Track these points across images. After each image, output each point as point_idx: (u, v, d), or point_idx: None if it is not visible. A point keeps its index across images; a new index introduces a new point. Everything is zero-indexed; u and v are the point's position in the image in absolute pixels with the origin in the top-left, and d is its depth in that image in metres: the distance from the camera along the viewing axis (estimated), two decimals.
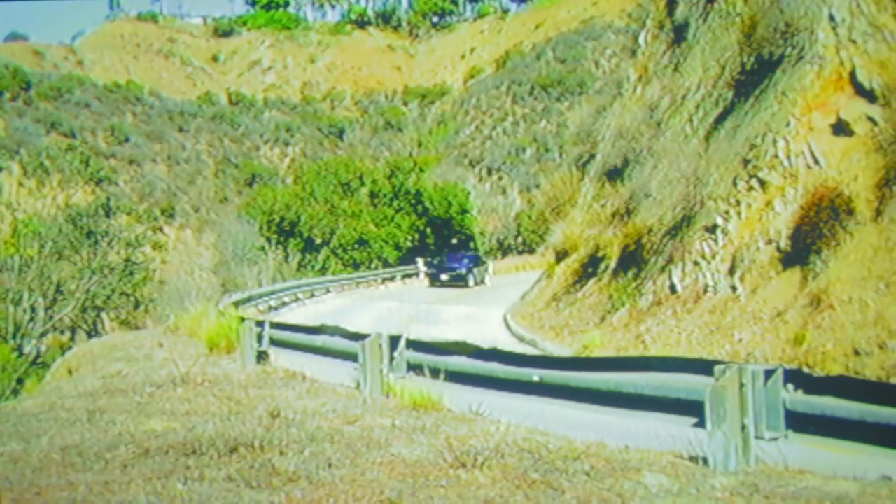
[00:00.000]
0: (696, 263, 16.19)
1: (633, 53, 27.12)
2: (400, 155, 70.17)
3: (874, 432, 5.56)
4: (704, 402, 6.10)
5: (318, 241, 45.79)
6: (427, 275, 40.59)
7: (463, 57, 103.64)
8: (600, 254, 19.93)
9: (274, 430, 7.24)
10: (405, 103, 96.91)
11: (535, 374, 7.92)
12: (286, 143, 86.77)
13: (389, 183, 49.67)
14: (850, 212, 14.00)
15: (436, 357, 9.27)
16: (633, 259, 18.57)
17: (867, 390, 5.72)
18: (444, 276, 37.97)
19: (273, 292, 31.56)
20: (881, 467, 5.59)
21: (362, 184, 49.87)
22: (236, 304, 22.44)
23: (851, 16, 15.82)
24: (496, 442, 6.77)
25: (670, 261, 16.88)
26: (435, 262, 40.70)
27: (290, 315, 25.42)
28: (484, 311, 22.95)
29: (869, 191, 14.10)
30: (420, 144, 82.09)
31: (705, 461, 6.14)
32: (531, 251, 45.83)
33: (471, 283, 37.80)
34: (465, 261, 39.39)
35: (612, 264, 19.39)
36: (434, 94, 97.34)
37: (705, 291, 15.72)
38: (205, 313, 18.18)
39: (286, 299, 31.61)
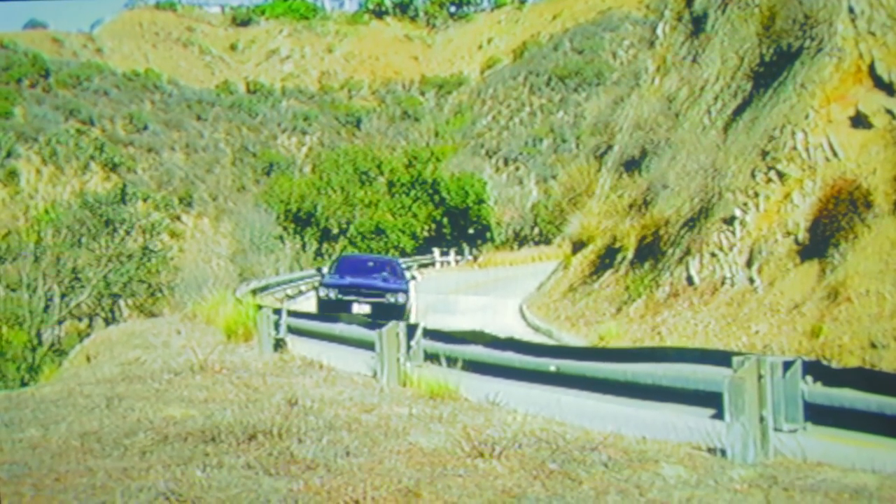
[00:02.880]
0: (713, 255, 16.14)
1: (651, 44, 26.98)
2: (417, 145, 70.11)
3: (893, 425, 5.54)
4: (723, 393, 6.09)
5: (335, 230, 45.82)
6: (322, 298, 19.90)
7: (480, 47, 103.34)
8: (617, 245, 19.89)
9: (292, 417, 7.25)
10: (422, 93, 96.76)
11: (552, 364, 7.91)
12: (304, 133, 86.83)
13: (407, 172, 49.63)
14: (869, 204, 13.93)
15: (452, 346, 9.29)
16: (650, 250, 18.53)
17: (886, 382, 5.69)
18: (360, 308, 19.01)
19: (290, 281, 31.57)
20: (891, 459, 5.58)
21: (380, 173, 49.86)
22: (253, 293, 22.51)
23: (871, 8, 15.71)
24: (513, 432, 6.76)
25: (688, 252, 16.84)
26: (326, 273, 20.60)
27: (307, 304, 25.46)
28: (500, 302, 22.93)
29: (887, 184, 14.02)
30: (437, 134, 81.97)
31: (723, 453, 6.12)
32: (548, 242, 45.69)
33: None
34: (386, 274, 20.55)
35: (629, 255, 19.35)
36: (451, 84, 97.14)
37: (722, 283, 15.68)
38: (222, 301, 18.22)
39: (303, 288, 31.60)
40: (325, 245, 44.48)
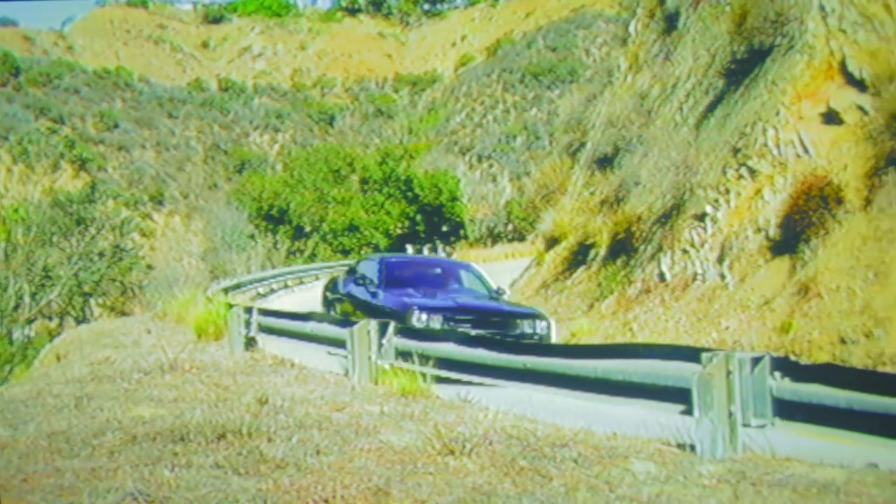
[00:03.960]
0: (685, 251, 16.23)
1: (624, 42, 27.09)
2: (390, 142, 70.05)
3: (861, 420, 5.59)
4: (692, 389, 6.12)
5: (308, 228, 45.69)
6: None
7: (454, 44, 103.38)
8: (590, 242, 19.94)
9: (262, 416, 7.22)
10: (396, 91, 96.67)
11: (522, 361, 7.92)
12: (276, 130, 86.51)
13: (380, 170, 49.58)
14: (840, 201, 14.04)
15: (424, 344, 9.28)
16: (622, 247, 18.61)
17: (854, 378, 5.73)
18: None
19: (262, 279, 31.42)
20: (868, 455, 5.62)
21: (353, 171, 49.77)
22: (225, 291, 22.37)
23: (842, 5, 15.84)
24: (484, 429, 6.76)
25: (659, 249, 16.93)
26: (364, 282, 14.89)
27: (279, 302, 25.36)
28: None
29: (858, 180, 14.14)
30: (410, 132, 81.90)
31: (693, 448, 6.16)
32: (521, 239, 45.80)
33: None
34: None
35: (602, 252, 19.42)
36: (425, 81, 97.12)
37: (694, 279, 15.76)
38: (193, 300, 18.12)
39: (275, 286, 31.48)
40: (297, 243, 44.34)
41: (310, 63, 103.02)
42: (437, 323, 11.66)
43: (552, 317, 13.98)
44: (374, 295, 13.28)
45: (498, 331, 11.34)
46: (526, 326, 12.10)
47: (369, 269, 14.21)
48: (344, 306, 14.14)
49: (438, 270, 15.38)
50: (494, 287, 14.58)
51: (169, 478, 5.30)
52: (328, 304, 15.37)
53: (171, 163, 74.91)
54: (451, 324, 11.64)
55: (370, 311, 12.40)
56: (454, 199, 49.51)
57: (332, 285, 15.89)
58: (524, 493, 5.15)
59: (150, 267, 43.79)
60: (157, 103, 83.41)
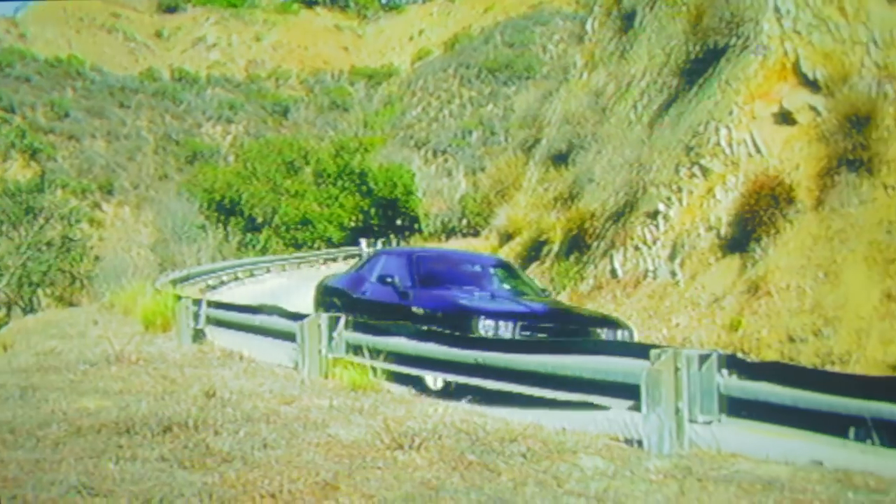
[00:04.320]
0: (637, 249, 16.35)
1: (581, 39, 27.20)
2: (345, 135, 69.76)
3: (806, 418, 5.65)
4: (640, 385, 6.16)
5: (260, 220, 45.37)
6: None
7: (411, 39, 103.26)
8: (543, 237, 20.02)
9: (209, 409, 7.13)
10: (352, 84, 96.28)
11: (474, 356, 7.91)
12: (229, 121, 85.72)
13: (334, 163, 49.35)
14: (791, 200, 14.22)
15: (375, 338, 9.23)
16: (575, 243, 18.70)
17: (800, 376, 5.80)
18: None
19: (212, 271, 31.14)
20: (812, 452, 5.69)
21: (307, 163, 49.51)
22: (174, 283, 22.11)
23: (797, 7, 16.03)
24: (434, 423, 6.75)
25: (612, 245, 17.04)
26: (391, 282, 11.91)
27: (229, 294, 25.13)
28: None
29: (810, 180, 14.33)
30: (366, 125, 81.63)
31: (640, 444, 6.19)
32: (476, 234, 45.83)
33: None
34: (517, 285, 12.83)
35: (555, 248, 19.50)
36: (381, 75, 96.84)
37: (645, 276, 15.89)
38: (141, 291, 17.87)
39: (225, 278, 31.22)
40: (248, 235, 43.98)
41: (265, 54, 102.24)
42: (507, 332, 9.69)
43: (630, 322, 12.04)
44: (404, 296, 11.10)
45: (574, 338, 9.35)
46: (606, 335, 9.91)
47: (393, 265, 11.99)
48: (360, 311, 11.10)
49: (478, 267, 12.81)
50: (539, 285, 12.92)
51: (113, 471, 5.21)
52: (331, 310, 11.75)
53: (122, 153, 73.93)
54: (526, 333, 9.77)
55: (401, 315, 10.43)
56: (409, 193, 49.50)
57: (330, 289, 13.29)
58: (472, 488, 5.13)
59: (97, 258, 43.16)
60: (108, 93, 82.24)
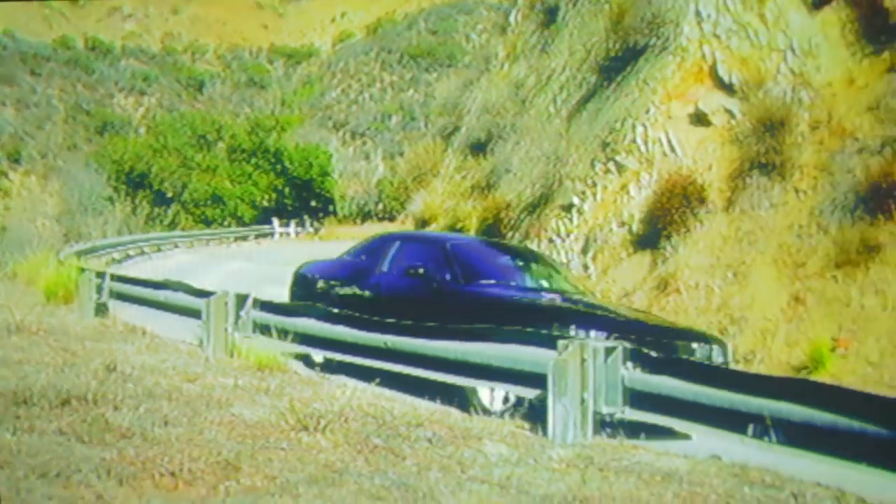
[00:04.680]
0: (550, 240, 16.48)
1: (504, 31, 27.29)
2: (262, 113, 68.80)
3: (706, 413, 5.78)
4: (547, 374, 6.21)
5: (170, 194, 44.47)
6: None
7: (333, 20, 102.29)
8: (459, 225, 20.05)
9: (109, 384, 6.94)
10: (270, 62, 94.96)
11: (384, 340, 7.88)
12: (142, 93, 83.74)
13: (249, 139, 48.63)
14: (703, 200, 14.48)
15: (284, 318, 9.12)
16: (490, 232, 18.77)
17: (703, 373, 5.91)
18: None
19: (118, 244, 30.54)
20: (711, 446, 5.82)
21: (220, 138, 48.66)
22: (78, 255, 21.53)
23: (717, 12, 16.32)
24: (340, 406, 6.70)
25: (526, 236, 17.15)
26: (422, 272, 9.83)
27: (135, 269, 24.58)
28: None
29: (722, 181, 14.61)
30: (283, 104, 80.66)
31: (545, 432, 6.24)
32: (392, 218, 45.82)
33: None
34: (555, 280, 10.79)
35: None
36: (301, 54, 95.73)
37: None
38: (44, 262, 17.36)
39: (131, 252, 30.65)
40: (157, 209, 43.08)
41: (182, 27, 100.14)
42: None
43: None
44: (438, 294, 9.25)
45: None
46: (700, 351, 8.35)
47: (417, 255, 9.95)
48: (369, 309, 9.17)
49: (519, 261, 10.81)
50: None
51: (10, 441, 5.06)
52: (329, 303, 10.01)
53: (31, 121, 71.67)
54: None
55: (436, 315, 8.23)
56: (325, 174, 49.07)
57: (314, 279, 11.27)
58: (376, 472, 5.11)
59: (3, 228, 41.76)
60: (20, 59, 79.50)
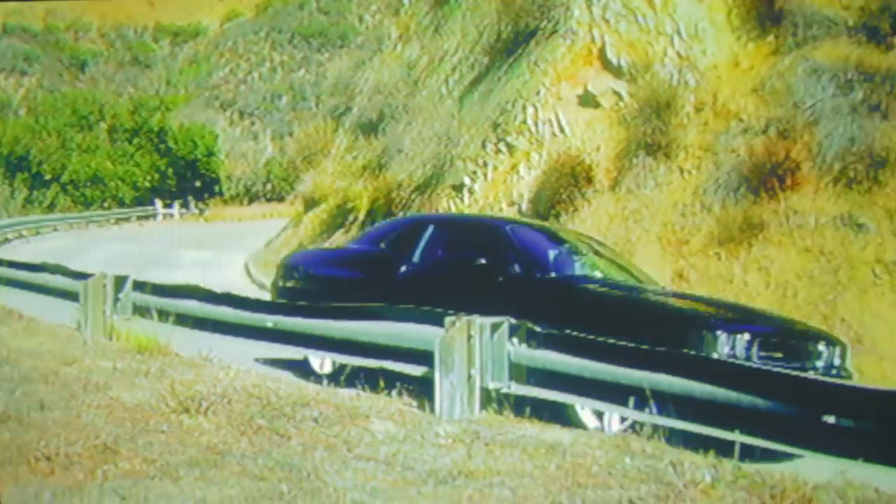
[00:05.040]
0: None
1: (397, 12, 27.14)
2: (146, 92, 66.99)
3: (590, 386, 5.88)
4: (434, 351, 6.21)
5: (48, 176, 42.94)
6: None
7: None
8: (350, 205, 19.92)
9: None
10: (156, 40, 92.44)
11: (269, 320, 7.76)
12: (22, 73, 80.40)
13: (132, 119, 47.27)
14: (590, 180, 14.70)
15: (165, 300, 8.90)
16: (381, 213, 18.71)
17: (586, 347, 5.99)
18: None
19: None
20: (595, 418, 5.92)
21: (101, 118, 47.16)
22: None
23: None
24: (224, 387, 6.59)
25: None
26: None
27: (13, 252, 23.71)
28: (225, 258, 22.39)
29: (609, 161, 14.86)
30: (168, 83, 78.65)
31: (433, 409, 6.25)
32: (280, 199, 45.23)
33: None
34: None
35: (361, 216, 19.46)
36: (188, 33, 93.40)
37: None
38: None
39: (10, 236, 29.69)
40: (35, 192, 41.57)
41: (64, 5, 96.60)
42: (743, 352, 6.41)
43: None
44: (505, 291, 7.64)
45: (798, 364, 6.66)
46: (826, 353, 7.00)
47: (465, 241, 8.41)
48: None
49: (583, 247, 8.95)
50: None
51: None
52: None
53: None
54: (763, 354, 6.51)
55: (520, 310, 6.65)
56: (211, 154, 48.13)
57: (318, 272, 9.51)
58: (260, 453, 5.06)
59: None
60: None
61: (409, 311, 6.89)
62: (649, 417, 5.49)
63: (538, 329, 6.18)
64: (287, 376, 7.40)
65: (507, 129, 16.43)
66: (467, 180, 16.49)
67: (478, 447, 5.30)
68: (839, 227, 11.92)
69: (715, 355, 6.21)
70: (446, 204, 16.59)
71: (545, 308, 7.16)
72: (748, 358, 6.39)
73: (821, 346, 6.97)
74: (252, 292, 15.99)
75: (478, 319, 6.23)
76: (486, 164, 16.42)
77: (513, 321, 6.27)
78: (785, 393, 5.02)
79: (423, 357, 6.41)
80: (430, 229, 8.71)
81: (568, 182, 14.73)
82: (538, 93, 16.39)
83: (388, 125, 21.69)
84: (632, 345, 5.72)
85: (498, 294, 7.52)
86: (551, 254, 8.31)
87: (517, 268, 7.79)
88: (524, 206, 15.47)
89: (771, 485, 4.41)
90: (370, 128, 22.71)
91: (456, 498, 4.42)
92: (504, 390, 6.26)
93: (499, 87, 17.93)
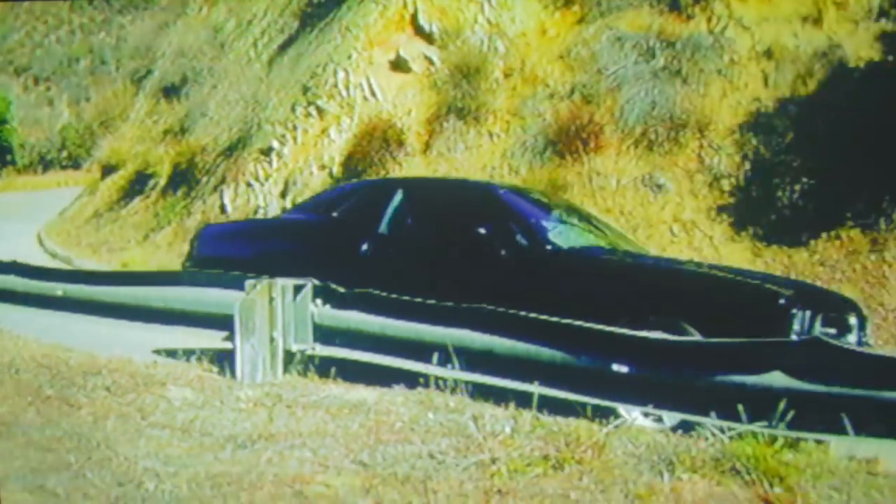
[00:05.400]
0: (248, 185, 16.16)
1: None
2: None
3: (394, 344, 5.87)
4: (234, 315, 6.04)
5: None
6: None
7: None
8: (150, 171, 19.16)
9: None
10: None
11: (59, 289, 7.35)
12: None
13: None
14: (401, 143, 14.78)
15: None
16: (183, 178, 18.12)
17: (388, 305, 5.97)
18: None
19: None
20: (398, 376, 5.93)
21: None
22: None
23: None
24: (11, 358, 6.33)
25: (223, 181, 16.71)
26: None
27: None
28: (15, 227, 21.11)
29: (420, 125, 14.98)
30: None
31: (234, 374, 6.10)
32: (76, 166, 42.98)
33: None
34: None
35: (162, 182, 18.78)
36: None
37: (256, 212, 15.78)
38: None
39: None
40: None
41: None
42: (811, 328, 5.71)
43: None
44: (512, 267, 6.46)
45: (842, 337, 6.14)
46: (855, 322, 6.44)
47: (445, 208, 7.11)
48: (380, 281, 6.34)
49: (574, 217, 7.61)
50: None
51: None
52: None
53: None
54: (826, 330, 5.88)
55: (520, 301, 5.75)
56: (3, 122, 45.23)
57: (247, 245, 7.93)
58: (48, 424, 4.87)
59: None
60: None
61: (205, 275, 6.68)
62: (452, 373, 5.53)
63: (342, 290, 6.10)
64: (80, 346, 7.04)
65: (318, 93, 16.27)
66: (276, 144, 16.20)
67: (279, 410, 5.21)
68: (640, 187, 12.45)
69: (793, 333, 5.51)
70: (253, 168, 16.26)
71: (581, 288, 6.19)
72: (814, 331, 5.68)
73: (853, 319, 6.35)
74: (44, 262, 15.21)
75: (280, 281, 6.10)
76: (295, 128, 16.19)
77: (316, 282, 6.17)
78: (580, 344, 5.17)
79: (224, 322, 6.22)
80: (399, 195, 7.28)
81: (379, 145, 14.75)
82: (350, 57, 16.30)
83: (191, 89, 21.01)
84: (432, 302, 5.73)
85: (506, 273, 6.40)
86: (553, 221, 7.10)
87: (521, 239, 6.58)
88: (335, 170, 15.37)
89: (566, 433, 4.54)
90: (172, 91, 21.94)
91: (255, 461, 4.32)
92: (308, 352, 6.17)
93: (309, 52, 17.72)
